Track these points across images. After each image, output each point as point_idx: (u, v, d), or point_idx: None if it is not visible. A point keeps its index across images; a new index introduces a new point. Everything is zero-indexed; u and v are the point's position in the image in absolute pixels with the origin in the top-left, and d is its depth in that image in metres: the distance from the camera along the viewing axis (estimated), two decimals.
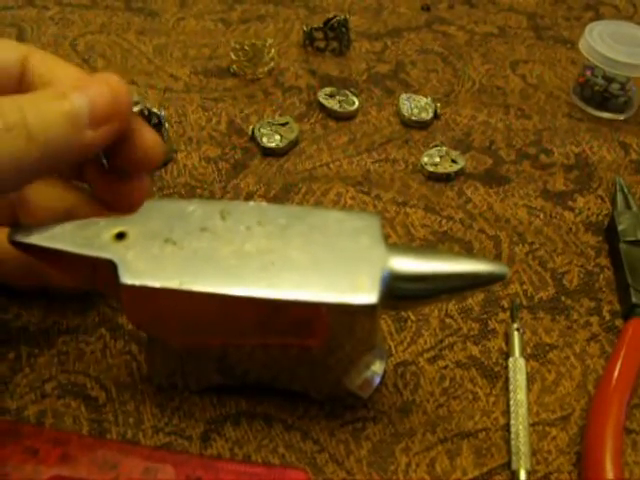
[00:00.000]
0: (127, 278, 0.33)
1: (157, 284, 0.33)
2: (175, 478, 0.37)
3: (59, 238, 0.36)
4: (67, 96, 0.35)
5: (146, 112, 0.38)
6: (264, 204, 0.38)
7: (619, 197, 0.53)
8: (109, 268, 0.34)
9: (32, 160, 0.34)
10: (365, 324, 0.34)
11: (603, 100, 0.62)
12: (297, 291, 0.33)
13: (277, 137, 0.56)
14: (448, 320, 0.45)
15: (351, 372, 0.39)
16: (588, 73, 0.63)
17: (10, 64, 0.40)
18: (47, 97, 0.35)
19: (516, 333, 0.44)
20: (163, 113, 0.52)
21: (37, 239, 0.36)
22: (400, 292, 0.34)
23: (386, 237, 0.37)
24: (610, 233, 0.51)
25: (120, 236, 0.35)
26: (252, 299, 0.33)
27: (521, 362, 0.43)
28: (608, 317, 0.46)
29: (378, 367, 0.41)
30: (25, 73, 0.40)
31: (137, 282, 0.33)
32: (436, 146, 0.57)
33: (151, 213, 0.36)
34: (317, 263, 0.34)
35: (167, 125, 0.54)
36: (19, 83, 0.40)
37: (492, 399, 0.42)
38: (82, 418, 0.40)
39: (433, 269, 0.34)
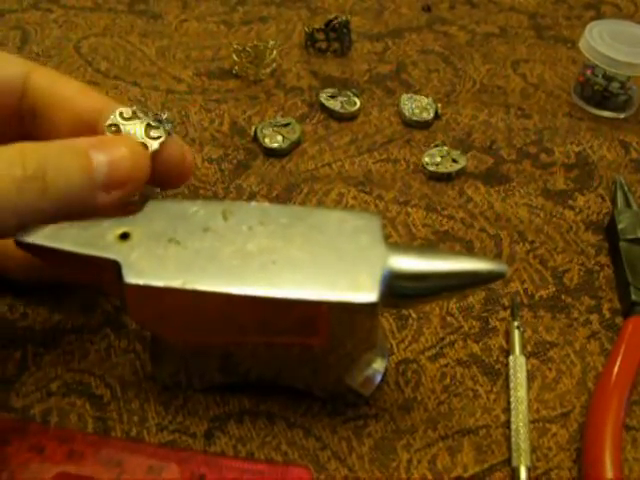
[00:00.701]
0: (131, 278, 0.34)
1: (160, 284, 0.34)
2: (179, 476, 0.37)
3: (63, 238, 0.36)
4: (87, 154, 0.36)
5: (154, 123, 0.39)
6: (266, 204, 0.38)
7: (619, 196, 0.53)
8: (113, 268, 0.35)
9: (40, 211, 0.35)
10: (366, 322, 0.35)
11: (603, 99, 0.63)
12: (298, 290, 0.33)
13: (279, 138, 0.57)
14: (449, 318, 0.46)
15: (353, 370, 0.39)
16: (588, 72, 0.63)
17: (13, 79, 0.41)
18: (68, 150, 0.36)
19: (517, 331, 0.44)
20: (166, 116, 0.53)
21: (41, 239, 0.36)
22: (400, 291, 0.35)
23: (387, 236, 0.37)
24: (610, 232, 0.51)
25: (124, 236, 0.36)
26: (254, 298, 0.33)
27: (521, 360, 0.43)
28: (608, 315, 0.47)
29: (379, 365, 0.41)
30: (27, 89, 0.41)
31: (141, 282, 0.34)
32: (437, 146, 0.57)
33: (155, 214, 0.37)
34: (318, 262, 0.34)
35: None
36: (20, 98, 0.41)
37: (493, 396, 0.42)
38: (87, 416, 0.40)
39: (433, 268, 0.35)
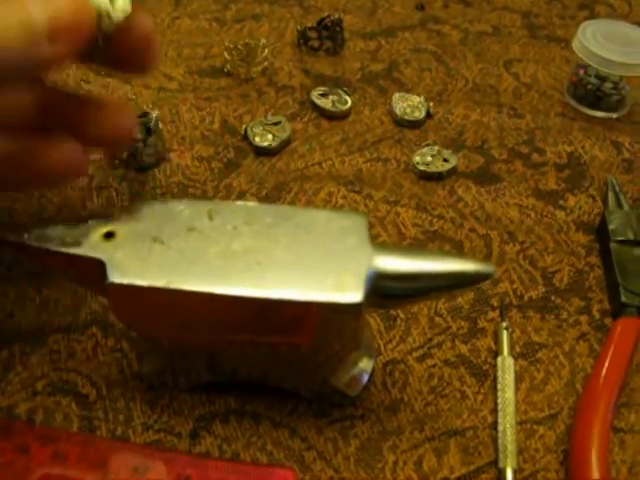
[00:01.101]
0: (115, 277, 0.34)
1: (144, 283, 0.33)
2: (165, 476, 0.37)
3: (48, 237, 0.36)
4: (25, 4, 0.33)
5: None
6: (251, 204, 0.38)
7: (611, 196, 0.53)
8: (98, 267, 0.34)
9: None
10: (351, 323, 0.35)
11: (596, 99, 0.63)
12: (283, 290, 0.33)
13: (270, 136, 0.56)
14: (437, 319, 0.45)
15: (339, 370, 0.39)
16: (581, 72, 0.63)
17: None
18: (6, 6, 0.33)
19: (505, 332, 0.44)
20: (156, 114, 0.53)
21: (27, 238, 0.36)
22: (386, 291, 0.34)
23: (374, 236, 0.37)
24: (601, 232, 0.51)
25: (109, 235, 0.35)
26: (238, 298, 0.33)
27: (509, 361, 0.43)
28: (598, 316, 0.47)
29: (366, 365, 0.41)
30: None
31: (125, 281, 0.34)
32: (428, 145, 0.57)
33: (140, 213, 0.37)
34: (303, 262, 0.34)
35: (160, 126, 0.54)
36: None
37: (480, 397, 0.42)
38: (72, 415, 0.40)
39: (419, 268, 0.34)
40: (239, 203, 0.38)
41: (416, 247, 0.49)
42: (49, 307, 0.45)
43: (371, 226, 0.50)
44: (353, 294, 0.33)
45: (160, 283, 0.33)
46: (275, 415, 0.40)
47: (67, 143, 0.38)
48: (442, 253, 0.36)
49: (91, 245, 0.35)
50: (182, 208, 0.37)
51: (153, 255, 0.34)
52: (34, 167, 0.38)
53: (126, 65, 0.41)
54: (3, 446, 0.38)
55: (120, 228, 0.36)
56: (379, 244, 0.36)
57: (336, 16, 0.67)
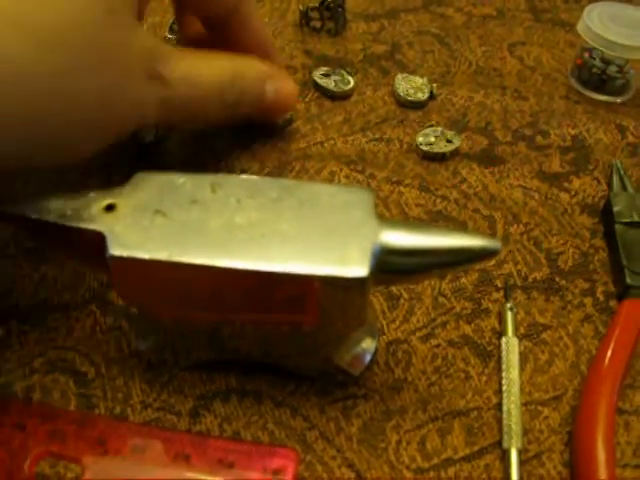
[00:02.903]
0: (116, 249, 0.33)
1: (146, 256, 0.33)
2: (164, 455, 0.37)
3: (48, 210, 0.36)
4: (264, 83, 0.49)
5: None
6: (255, 177, 0.37)
7: (615, 179, 0.53)
8: (99, 240, 0.34)
9: (230, 111, 0.48)
10: (356, 299, 0.34)
11: (601, 82, 0.62)
12: (287, 264, 0.32)
13: None
14: (441, 299, 0.45)
15: (341, 349, 0.39)
16: (586, 55, 0.62)
17: None
18: (257, 79, 0.49)
19: (509, 312, 0.44)
20: None
21: (25, 210, 0.36)
22: (391, 266, 0.34)
23: (378, 212, 0.36)
24: (606, 215, 0.51)
25: (109, 208, 0.35)
26: (241, 271, 0.32)
27: (514, 342, 0.42)
28: (602, 298, 0.46)
29: (369, 344, 0.41)
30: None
31: (125, 253, 0.33)
32: (431, 126, 0.57)
33: (141, 185, 0.36)
34: (308, 236, 0.33)
35: None
36: None
37: (484, 378, 0.41)
38: (70, 393, 0.39)
39: (424, 243, 0.34)
40: (242, 176, 0.37)
41: (422, 222, 0.49)
42: (47, 284, 0.44)
43: (375, 205, 0.50)
44: (358, 268, 0.32)
45: (162, 256, 0.33)
46: (277, 394, 0.40)
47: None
48: (448, 229, 0.35)
49: (91, 217, 0.35)
50: (184, 181, 0.36)
51: (155, 228, 0.34)
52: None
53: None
54: (0, 424, 0.37)
55: (121, 200, 0.35)
56: (385, 219, 0.35)
57: None
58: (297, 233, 0.34)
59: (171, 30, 0.64)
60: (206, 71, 0.44)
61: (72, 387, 0.40)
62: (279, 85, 0.50)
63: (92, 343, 0.42)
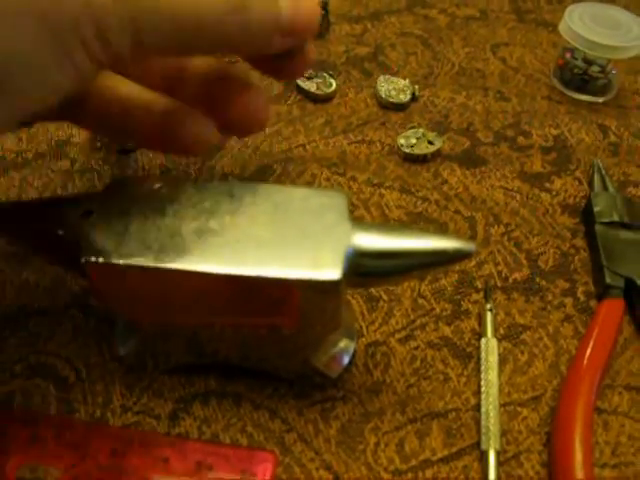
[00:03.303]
0: (91, 256, 0.33)
1: (121, 261, 0.33)
2: (143, 458, 0.37)
3: (27, 215, 0.36)
4: (278, 2, 0.34)
5: None
6: (230, 181, 0.37)
7: (596, 179, 0.53)
8: (75, 247, 0.34)
9: (231, 46, 0.34)
10: (331, 301, 0.34)
11: (583, 83, 0.62)
12: (260, 268, 0.32)
13: None
14: (420, 300, 0.45)
15: (318, 351, 0.39)
16: (568, 55, 0.62)
17: None
18: None
19: (489, 313, 0.44)
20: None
21: (4, 216, 0.36)
22: (364, 269, 0.34)
23: (357, 219, 0.36)
24: (586, 215, 0.51)
25: (86, 214, 0.35)
26: (216, 276, 0.32)
27: (493, 343, 0.42)
28: (582, 298, 0.46)
29: (347, 346, 0.41)
30: None
31: (101, 259, 0.33)
32: (413, 128, 0.57)
33: (118, 191, 0.36)
34: (282, 240, 0.34)
35: None
36: None
37: (463, 379, 0.42)
38: (51, 398, 0.40)
39: (398, 246, 0.34)
40: (217, 181, 0.37)
41: (396, 225, 0.49)
42: (28, 289, 0.44)
43: (355, 208, 0.50)
44: (331, 271, 0.32)
45: (137, 261, 0.33)
46: (255, 397, 0.40)
47: (205, 119, 0.38)
48: (422, 231, 0.35)
49: (68, 223, 0.35)
50: (160, 186, 0.36)
51: (130, 233, 0.34)
52: (171, 131, 0.38)
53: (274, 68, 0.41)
54: None
55: (98, 207, 0.35)
56: (358, 222, 0.35)
57: None
58: (271, 237, 0.34)
59: None
60: None
61: (53, 391, 0.40)
62: (296, 2, 0.35)
63: (73, 348, 0.42)
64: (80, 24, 0.28)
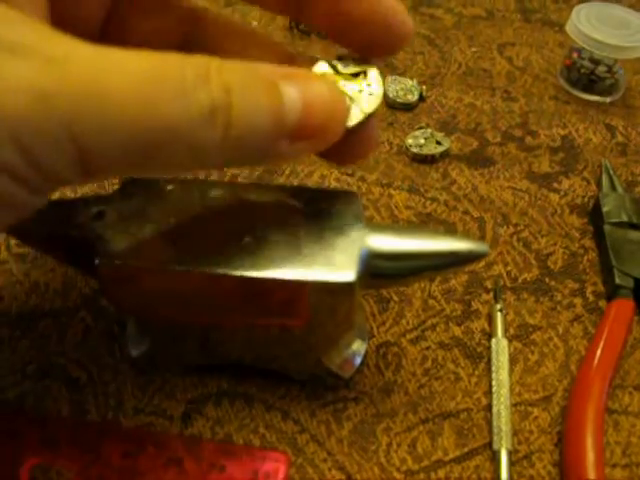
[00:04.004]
0: (104, 257, 0.33)
1: (135, 263, 0.33)
2: (156, 459, 0.37)
3: (37, 217, 0.36)
4: (277, 86, 0.26)
5: None
6: (243, 183, 0.37)
7: (604, 179, 0.53)
8: (88, 248, 0.34)
9: (211, 155, 0.26)
10: (344, 303, 0.34)
11: (590, 83, 0.62)
12: (275, 269, 0.33)
13: None
14: (431, 301, 0.45)
15: (331, 352, 0.39)
16: (575, 55, 0.62)
17: None
18: (254, 76, 0.26)
19: (499, 314, 0.44)
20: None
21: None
22: (379, 270, 0.34)
23: (366, 219, 0.36)
24: (595, 215, 0.51)
25: (99, 215, 0.35)
26: (230, 277, 0.33)
27: (504, 343, 0.42)
28: (592, 298, 0.46)
29: (359, 347, 0.41)
30: None
31: (114, 261, 0.33)
32: (421, 128, 0.57)
33: (130, 193, 0.36)
34: (295, 241, 0.34)
35: None
36: None
37: (474, 380, 0.42)
38: (63, 400, 0.40)
39: (412, 247, 0.34)
40: (230, 183, 0.38)
41: (409, 226, 0.49)
42: (39, 291, 0.44)
43: (364, 209, 0.50)
44: (346, 273, 0.32)
45: (150, 263, 0.33)
46: (268, 398, 0.40)
47: None
48: (435, 232, 0.35)
49: (81, 225, 0.35)
50: (173, 188, 0.36)
51: (143, 235, 0.34)
52: None
53: (335, 156, 0.33)
54: None
55: (110, 208, 0.35)
56: (372, 223, 0.35)
57: None
58: (285, 239, 0.34)
59: None
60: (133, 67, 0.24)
61: (64, 393, 0.40)
62: (307, 89, 0.27)
63: (84, 349, 0.42)
64: None
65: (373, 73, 0.31)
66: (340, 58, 0.32)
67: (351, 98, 0.30)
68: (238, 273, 0.33)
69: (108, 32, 0.34)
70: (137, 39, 0.34)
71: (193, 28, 0.35)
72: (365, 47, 0.32)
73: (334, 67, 0.32)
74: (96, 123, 0.23)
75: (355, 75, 0.31)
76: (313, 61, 0.32)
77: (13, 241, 0.46)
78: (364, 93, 0.31)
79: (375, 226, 0.35)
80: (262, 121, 0.26)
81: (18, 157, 0.22)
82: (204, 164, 0.27)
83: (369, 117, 0.31)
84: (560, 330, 0.44)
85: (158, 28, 0.35)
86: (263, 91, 0.26)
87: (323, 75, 0.31)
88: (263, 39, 0.35)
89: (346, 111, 0.29)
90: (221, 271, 0.33)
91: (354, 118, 0.30)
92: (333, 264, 0.33)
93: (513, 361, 0.43)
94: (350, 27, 0.31)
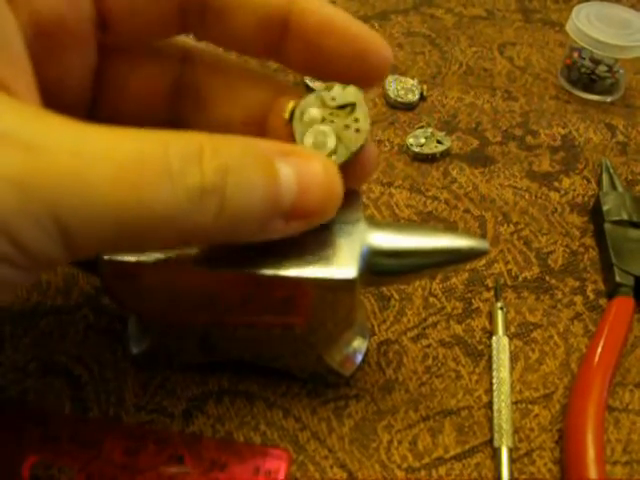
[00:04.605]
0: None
1: (136, 259, 0.33)
2: (157, 456, 0.37)
3: None
4: (273, 164, 0.26)
5: None
6: None
7: (605, 178, 0.53)
8: None
9: (205, 236, 0.26)
10: (345, 300, 0.34)
11: (590, 82, 0.62)
12: (276, 266, 0.33)
13: None
14: (432, 299, 0.45)
15: (332, 350, 0.39)
16: (575, 55, 0.63)
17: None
18: (250, 154, 0.26)
19: (500, 312, 0.44)
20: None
21: None
22: (379, 268, 0.34)
23: (367, 217, 0.36)
24: (595, 213, 0.51)
25: None
26: (231, 274, 0.33)
27: (504, 341, 0.43)
28: (592, 296, 0.46)
29: (360, 345, 0.41)
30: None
31: (117, 258, 0.33)
32: (421, 127, 0.57)
33: None
34: (297, 239, 0.34)
35: None
36: None
37: (475, 377, 0.42)
38: (65, 397, 0.40)
39: (412, 245, 0.34)
40: None
41: (410, 224, 0.49)
42: (40, 288, 0.44)
43: (365, 207, 0.50)
44: (347, 270, 0.32)
45: (152, 260, 0.33)
46: (269, 395, 0.40)
47: None
48: (436, 230, 0.35)
49: None
50: None
51: None
52: None
53: None
54: None
55: None
56: (373, 221, 0.35)
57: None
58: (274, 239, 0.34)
59: None
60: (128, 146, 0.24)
61: (66, 391, 0.40)
62: (302, 168, 0.28)
63: (85, 347, 0.42)
64: None
65: (361, 108, 0.32)
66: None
67: (338, 138, 0.31)
68: (240, 270, 0.33)
69: (100, 85, 0.34)
70: (129, 89, 0.35)
71: (182, 69, 0.35)
72: (345, 80, 0.32)
73: (322, 99, 0.32)
74: (80, 211, 0.23)
75: (343, 107, 0.32)
76: (301, 92, 0.33)
77: None
78: (351, 130, 0.31)
79: (376, 223, 0.35)
80: (257, 202, 0.26)
81: (7, 244, 0.23)
82: (193, 242, 0.27)
83: (355, 154, 0.31)
84: (561, 328, 0.44)
85: (148, 75, 0.35)
86: (259, 171, 0.26)
87: (315, 151, 0.31)
88: (252, 72, 0.35)
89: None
90: (222, 268, 0.33)
91: (341, 157, 0.31)
92: (334, 261, 0.33)
93: (514, 359, 0.43)
94: (326, 63, 0.32)
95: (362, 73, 0.32)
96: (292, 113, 0.32)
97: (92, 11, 0.30)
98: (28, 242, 0.23)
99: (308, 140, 0.31)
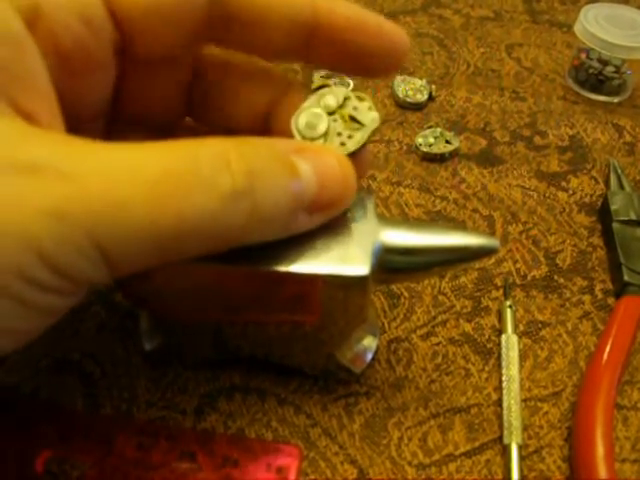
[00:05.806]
0: None
1: None
2: (169, 452, 0.37)
3: None
4: (292, 164, 0.28)
5: None
6: None
7: (612, 178, 0.53)
8: None
9: (238, 238, 0.28)
10: (357, 297, 0.35)
11: (598, 83, 0.63)
12: (288, 263, 0.33)
13: None
14: (441, 297, 0.45)
15: (343, 347, 0.39)
16: (583, 56, 0.63)
17: None
18: (276, 159, 0.27)
19: (509, 310, 0.44)
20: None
21: None
22: (391, 265, 0.34)
23: (378, 212, 0.37)
24: (603, 213, 0.51)
25: None
26: (244, 271, 0.33)
27: (514, 339, 0.43)
28: (600, 295, 0.47)
29: (370, 343, 0.41)
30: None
31: None
32: (430, 127, 0.57)
33: None
34: (309, 236, 0.34)
35: None
36: None
37: (484, 375, 0.42)
38: (77, 393, 0.40)
39: (424, 242, 0.34)
40: None
41: (421, 221, 0.49)
42: None
43: (375, 206, 0.50)
44: (359, 267, 0.33)
45: None
46: (280, 392, 0.40)
47: None
48: (447, 227, 0.36)
49: None
50: None
51: None
52: None
53: None
54: (7, 424, 0.38)
55: None
56: (385, 218, 0.35)
57: None
58: (299, 233, 0.34)
59: None
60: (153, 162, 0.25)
61: (79, 387, 0.40)
62: (320, 163, 0.29)
63: (98, 344, 0.42)
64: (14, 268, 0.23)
65: (366, 105, 0.34)
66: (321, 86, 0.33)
67: (342, 143, 0.32)
68: (253, 267, 0.33)
69: (119, 95, 0.34)
70: (147, 95, 0.36)
71: (195, 75, 0.36)
72: (369, 71, 0.34)
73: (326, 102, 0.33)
74: (118, 232, 0.23)
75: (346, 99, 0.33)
76: (308, 89, 0.34)
77: None
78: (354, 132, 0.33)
79: (388, 221, 0.35)
80: (284, 200, 0.27)
81: (52, 276, 0.23)
82: (227, 246, 0.28)
83: (354, 154, 0.32)
84: (569, 327, 0.45)
85: (165, 81, 0.36)
86: (283, 170, 0.27)
87: (327, 146, 0.32)
88: (261, 70, 0.36)
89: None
90: (235, 265, 0.33)
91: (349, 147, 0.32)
92: (346, 258, 0.33)
93: (523, 357, 0.43)
94: (354, 58, 0.33)
95: (386, 63, 0.33)
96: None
97: (114, 36, 0.31)
98: (73, 271, 0.24)
99: (302, 121, 0.32)
